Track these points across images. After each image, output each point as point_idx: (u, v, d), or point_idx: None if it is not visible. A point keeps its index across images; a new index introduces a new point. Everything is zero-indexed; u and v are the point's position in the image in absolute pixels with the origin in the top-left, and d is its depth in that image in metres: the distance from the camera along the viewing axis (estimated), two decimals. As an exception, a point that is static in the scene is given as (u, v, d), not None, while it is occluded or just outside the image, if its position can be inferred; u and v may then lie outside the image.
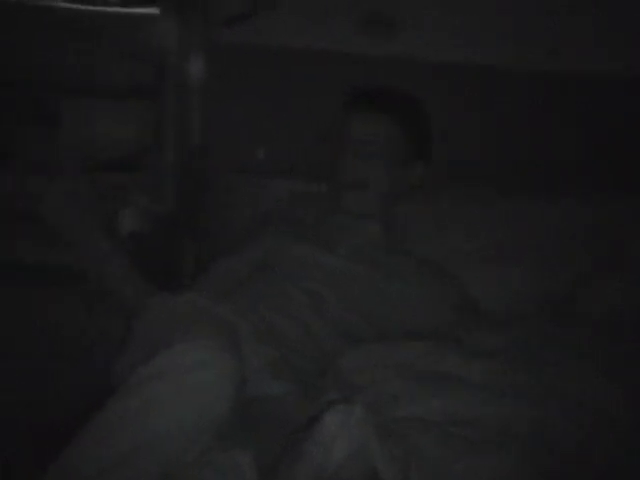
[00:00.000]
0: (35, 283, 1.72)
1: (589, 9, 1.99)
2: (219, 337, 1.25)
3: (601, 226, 1.92)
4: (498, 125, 2.10)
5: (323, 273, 1.75)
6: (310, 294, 1.69)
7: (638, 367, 1.42)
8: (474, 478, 1.09)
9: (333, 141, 1.89)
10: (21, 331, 1.68)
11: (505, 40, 2.05)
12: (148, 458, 1.12)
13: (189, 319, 1.38)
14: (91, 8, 2.08)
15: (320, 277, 1.73)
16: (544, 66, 2.06)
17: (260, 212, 2.06)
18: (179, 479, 1.15)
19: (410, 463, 1.08)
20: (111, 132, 1.92)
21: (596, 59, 2.03)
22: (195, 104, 2.03)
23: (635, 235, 1.89)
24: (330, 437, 1.06)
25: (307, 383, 1.51)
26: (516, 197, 2.00)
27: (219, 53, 2.05)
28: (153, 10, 2.02)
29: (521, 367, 1.37)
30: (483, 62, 2.07)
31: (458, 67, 2.08)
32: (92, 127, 1.91)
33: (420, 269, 1.83)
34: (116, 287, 1.67)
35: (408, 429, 1.15)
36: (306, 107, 2.14)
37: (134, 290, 1.65)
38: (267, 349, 1.51)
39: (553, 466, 1.17)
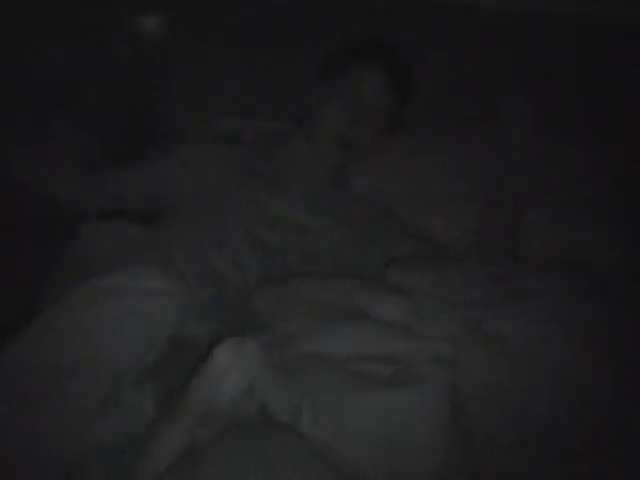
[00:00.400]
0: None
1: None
2: (167, 267, 1.22)
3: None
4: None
5: (270, 218, 1.72)
6: (252, 236, 1.66)
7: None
8: (367, 416, 1.06)
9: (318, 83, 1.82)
10: None
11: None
12: (95, 374, 1.10)
13: (130, 248, 1.37)
14: None
15: (266, 222, 1.70)
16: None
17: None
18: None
19: (302, 400, 1.06)
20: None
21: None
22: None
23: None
24: (219, 373, 1.05)
25: (231, 325, 1.49)
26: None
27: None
28: None
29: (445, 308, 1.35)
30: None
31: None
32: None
33: (370, 214, 1.81)
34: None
35: (305, 366, 1.13)
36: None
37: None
38: (199, 288, 1.49)
39: (459, 406, 1.15)
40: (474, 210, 1.86)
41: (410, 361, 1.14)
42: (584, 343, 1.28)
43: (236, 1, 2.06)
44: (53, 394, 1.05)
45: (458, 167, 1.93)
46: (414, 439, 1.06)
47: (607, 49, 2.04)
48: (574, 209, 1.87)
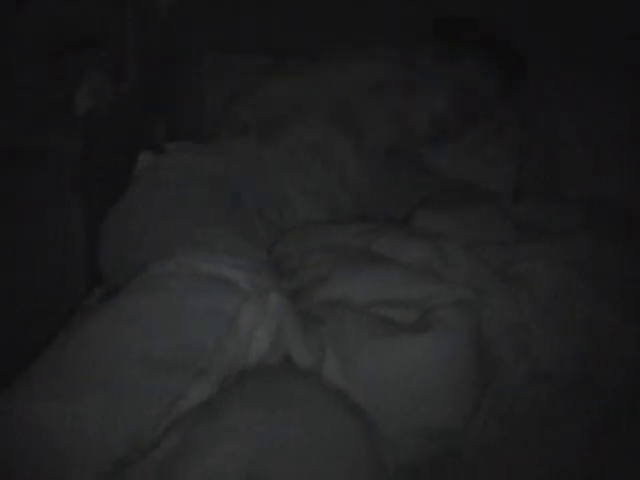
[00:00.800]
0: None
1: None
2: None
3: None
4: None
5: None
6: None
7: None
8: (389, 360, 1.09)
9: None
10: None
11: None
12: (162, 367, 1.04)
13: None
14: None
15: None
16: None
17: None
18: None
19: (325, 347, 1.09)
20: (72, 10, 1.83)
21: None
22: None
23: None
24: (246, 330, 1.06)
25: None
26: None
27: None
28: None
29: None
30: None
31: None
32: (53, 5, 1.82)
33: None
34: None
35: (329, 313, 1.15)
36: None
37: None
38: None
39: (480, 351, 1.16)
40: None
41: (433, 305, 1.15)
42: (608, 289, 1.30)
43: None
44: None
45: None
46: (427, 383, 1.08)
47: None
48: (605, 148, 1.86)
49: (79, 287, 1.58)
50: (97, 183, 1.65)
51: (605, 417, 1.13)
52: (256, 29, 2.07)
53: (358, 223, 1.52)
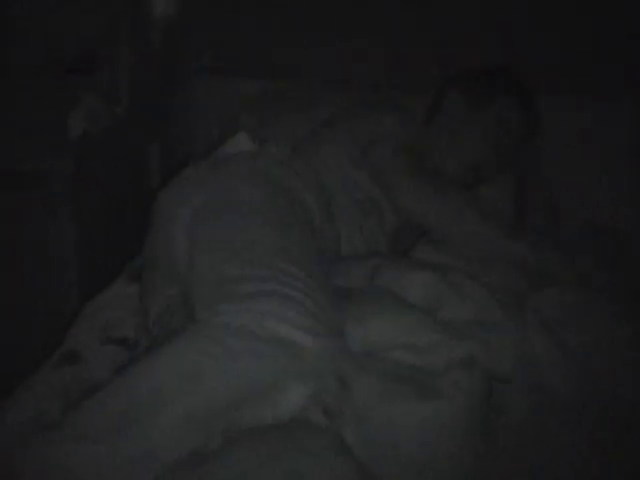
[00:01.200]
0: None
1: None
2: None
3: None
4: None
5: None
6: None
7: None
8: (399, 424, 1.11)
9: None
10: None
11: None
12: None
13: None
14: None
15: None
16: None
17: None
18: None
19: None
20: (66, 27, 1.84)
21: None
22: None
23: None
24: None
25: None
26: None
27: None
28: None
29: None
30: None
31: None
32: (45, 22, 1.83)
33: None
34: None
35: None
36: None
37: None
38: None
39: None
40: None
41: (442, 362, 1.18)
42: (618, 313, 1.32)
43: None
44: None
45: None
46: (435, 447, 1.09)
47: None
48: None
49: (71, 298, 1.70)
50: (89, 201, 1.76)
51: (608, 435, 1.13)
52: (255, 44, 2.06)
53: (360, 256, 1.53)
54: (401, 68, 2.01)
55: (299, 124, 1.83)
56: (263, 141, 1.56)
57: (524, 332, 1.27)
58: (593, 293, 1.39)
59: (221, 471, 0.99)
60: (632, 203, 1.83)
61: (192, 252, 1.29)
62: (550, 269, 1.47)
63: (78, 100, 1.73)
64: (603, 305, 1.35)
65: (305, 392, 1.09)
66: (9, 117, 1.73)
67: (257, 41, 2.06)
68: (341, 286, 1.35)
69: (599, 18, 1.91)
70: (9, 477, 0.99)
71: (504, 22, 1.94)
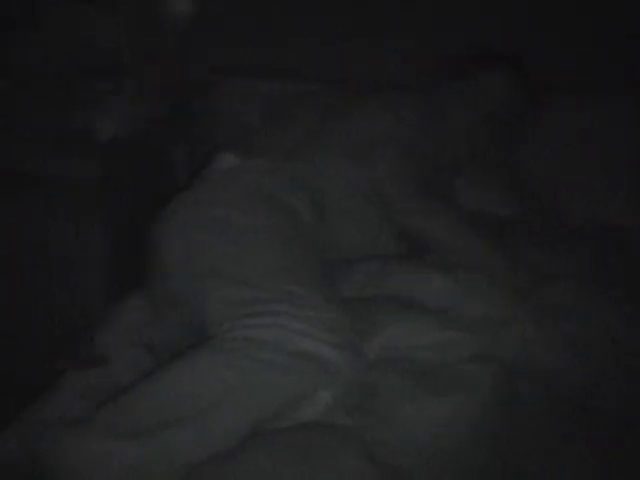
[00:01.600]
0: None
1: None
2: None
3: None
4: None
5: None
6: None
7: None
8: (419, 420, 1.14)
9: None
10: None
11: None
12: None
13: None
14: None
15: None
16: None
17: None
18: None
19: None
20: (93, 36, 1.85)
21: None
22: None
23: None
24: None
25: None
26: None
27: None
28: None
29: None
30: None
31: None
32: (73, 30, 1.84)
33: None
34: None
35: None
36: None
37: None
38: None
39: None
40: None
41: (458, 359, 1.22)
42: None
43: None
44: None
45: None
46: (455, 442, 1.10)
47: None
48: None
49: (98, 298, 1.72)
50: (117, 203, 1.79)
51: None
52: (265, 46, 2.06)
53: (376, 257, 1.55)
54: (401, 68, 2.00)
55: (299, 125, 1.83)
56: (247, 155, 1.58)
57: (530, 326, 1.30)
58: (593, 290, 1.41)
59: (241, 470, 1.01)
60: (632, 203, 1.83)
61: (196, 278, 1.31)
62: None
63: (104, 103, 1.76)
64: (603, 300, 1.38)
65: (330, 399, 1.13)
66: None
67: (257, 41, 2.06)
68: (352, 297, 1.39)
69: (599, 18, 1.91)
70: (41, 473, 1.01)
71: (504, 22, 1.94)
